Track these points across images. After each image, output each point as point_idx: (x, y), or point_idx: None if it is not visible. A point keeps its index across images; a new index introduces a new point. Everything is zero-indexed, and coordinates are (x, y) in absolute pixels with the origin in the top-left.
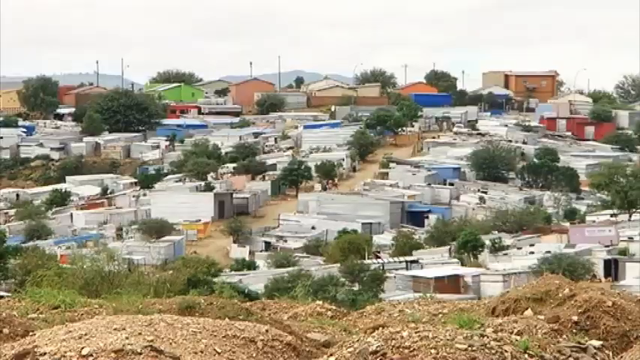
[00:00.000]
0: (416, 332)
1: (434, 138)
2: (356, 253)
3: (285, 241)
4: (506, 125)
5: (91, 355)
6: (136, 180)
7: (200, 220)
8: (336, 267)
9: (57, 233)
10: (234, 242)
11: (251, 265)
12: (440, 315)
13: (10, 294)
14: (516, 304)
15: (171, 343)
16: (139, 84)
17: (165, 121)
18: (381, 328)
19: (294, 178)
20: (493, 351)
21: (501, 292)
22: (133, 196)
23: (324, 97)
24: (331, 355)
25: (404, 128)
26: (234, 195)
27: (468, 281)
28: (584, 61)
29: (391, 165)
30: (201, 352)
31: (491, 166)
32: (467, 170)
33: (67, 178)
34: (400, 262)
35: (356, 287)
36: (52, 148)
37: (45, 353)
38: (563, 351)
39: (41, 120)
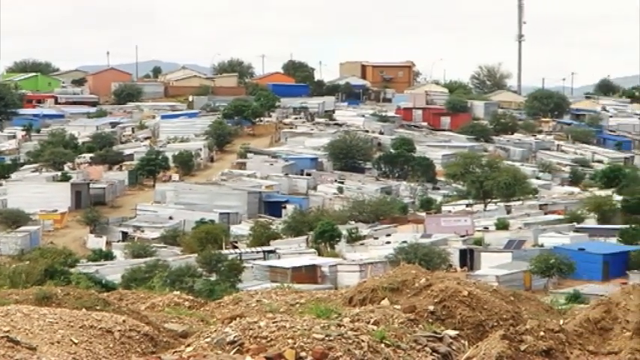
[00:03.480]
0: (273, 322)
1: (291, 128)
2: (213, 243)
3: (143, 231)
4: (363, 115)
5: None
6: None
7: (57, 211)
8: (194, 257)
9: None
10: (91, 232)
11: (108, 256)
12: (297, 305)
13: None
14: (373, 294)
15: (27, 334)
16: None
17: (22, 111)
18: (238, 318)
19: (151, 168)
20: (350, 341)
21: (358, 282)
22: None
23: (182, 87)
24: (189, 345)
25: (261, 118)
26: (90, 185)
27: (325, 271)
28: (440, 51)
29: (249, 155)
30: (58, 342)
31: (348, 156)
32: (324, 160)
33: None
34: (258, 252)
35: (213, 277)
36: None
37: None
38: (420, 340)
39: None
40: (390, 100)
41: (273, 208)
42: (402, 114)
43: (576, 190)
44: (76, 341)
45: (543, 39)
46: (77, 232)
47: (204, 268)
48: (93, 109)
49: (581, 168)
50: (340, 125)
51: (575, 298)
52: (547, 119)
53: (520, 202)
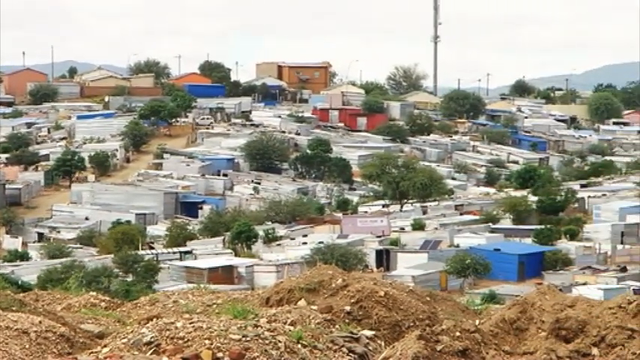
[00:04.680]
0: (190, 323)
1: (207, 128)
2: (129, 243)
3: (59, 232)
4: (279, 116)
5: None
6: None
7: None
8: (110, 258)
9: None
10: (7, 233)
11: (24, 256)
12: (214, 305)
13: None
14: (290, 295)
15: None
16: None
17: None
18: (155, 319)
19: (67, 169)
20: (267, 341)
21: (275, 283)
22: None
23: (98, 87)
24: (105, 346)
25: (178, 119)
26: (6, 185)
27: (241, 271)
28: (356, 52)
29: (165, 156)
30: None
31: (264, 156)
32: (241, 161)
33: None
34: (174, 252)
35: (130, 278)
36: None
37: None
38: (336, 341)
39: None
40: (306, 101)
41: (190, 208)
42: (319, 115)
43: (492, 190)
44: None
45: (459, 40)
46: None
47: (120, 268)
48: (8, 110)
49: (497, 169)
50: (257, 126)
51: (491, 298)
52: (463, 120)
53: (436, 203)
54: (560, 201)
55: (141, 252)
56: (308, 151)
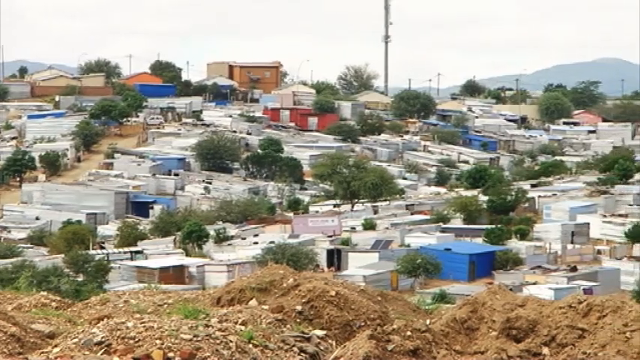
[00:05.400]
0: (141, 323)
1: (158, 128)
2: (80, 243)
3: (9, 231)
4: (230, 116)
5: None
6: None
7: None
8: (61, 258)
9: None
10: None
11: None
12: (165, 305)
13: None
14: (241, 294)
15: None
16: None
17: None
18: (106, 319)
19: (17, 169)
20: (218, 341)
21: (226, 283)
22: None
23: (48, 87)
24: (56, 346)
25: (129, 119)
26: None
27: (192, 271)
28: (307, 52)
29: (116, 155)
30: None
31: (215, 156)
32: (192, 161)
33: None
34: (125, 252)
35: (80, 278)
36: None
37: None
38: (287, 340)
39: None
40: (257, 101)
41: (141, 208)
42: (270, 114)
43: (442, 190)
44: None
45: (410, 40)
46: None
47: (71, 268)
48: None
49: (447, 168)
50: (208, 125)
51: (442, 298)
52: (413, 120)
53: (387, 203)
54: (511, 201)
55: (92, 252)
56: (259, 151)
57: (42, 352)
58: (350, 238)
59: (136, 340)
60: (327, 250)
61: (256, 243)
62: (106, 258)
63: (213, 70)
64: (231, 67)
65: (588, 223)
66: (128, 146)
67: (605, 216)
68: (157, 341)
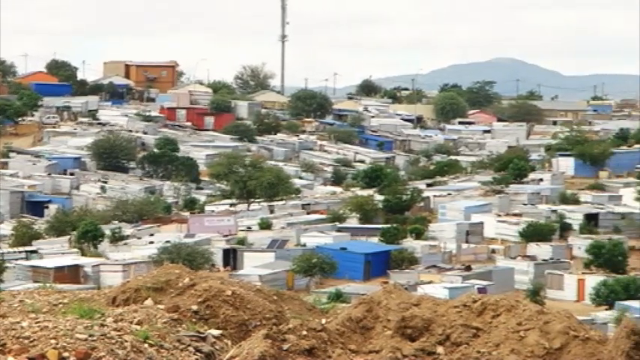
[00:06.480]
0: (36, 322)
1: (54, 127)
2: None
3: None
4: (126, 115)
5: None
6: None
7: None
8: None
9: None
10: None
11: None
12: (60, 305)
13: None
14: (137, 294)
15: None
16: None
17: None
18: (0, 319)
19: None
20: (113, 341)
21: (122, 282)
22: None
23: None
24: None
25: (24, 118)
26: None
27: (88, 271)
28: (203, 51)
29: (11, 154)
30: None
31: (111, 156)
32: (87, 160)
33: None
34: (20, 252)
35: None
36: None
37: None
38: (183, 340)
39: None
40: (153, 100)
41: (36, 207)
42: (166, 114)
43: (338, 190)
44: None
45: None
46: None
47: None
48: None
49: (344, 168)
50: (104, 125)
51: (338, 297)
52: (310, 119)
53: (283, 202)
54: (406, 200)
55: None
56: (155, 151)
57: None
58: (246, 238)
59: (31, 339)
60: (223, 249)
61: (152, 242)
62: (0, 257)
63: (110, 70)
64: (127, 67)
65: (483, 223)
66: (24, 145)
67: (499, 215)
68: (52, 341)
